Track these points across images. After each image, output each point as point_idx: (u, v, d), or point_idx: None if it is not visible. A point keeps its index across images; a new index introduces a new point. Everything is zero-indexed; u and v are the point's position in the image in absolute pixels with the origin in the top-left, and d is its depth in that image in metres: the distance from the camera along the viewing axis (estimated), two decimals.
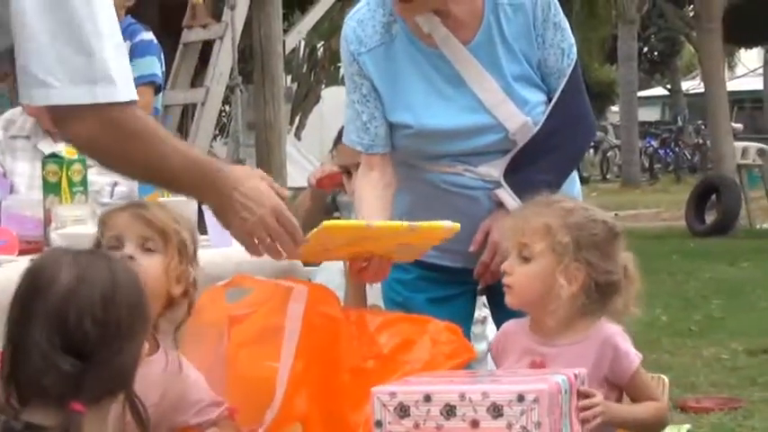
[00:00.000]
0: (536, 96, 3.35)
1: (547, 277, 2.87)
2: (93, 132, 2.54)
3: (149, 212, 2.82)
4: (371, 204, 3.29)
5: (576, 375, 2.75)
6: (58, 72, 2.45)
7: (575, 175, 3.55)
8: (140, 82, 6.05)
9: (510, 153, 3.32)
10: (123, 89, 2.54)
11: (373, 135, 3.34)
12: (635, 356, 2.92)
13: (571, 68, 3.36)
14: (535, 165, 3.31)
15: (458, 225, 3.00)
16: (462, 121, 3.32)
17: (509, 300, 2.94)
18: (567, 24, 3.38)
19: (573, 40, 3.38)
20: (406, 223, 2.99)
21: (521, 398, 2.53)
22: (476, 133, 3.32)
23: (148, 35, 6.31)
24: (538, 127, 3.31)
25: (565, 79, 3.35)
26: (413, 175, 3.40)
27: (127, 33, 6.16)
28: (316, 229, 2.88)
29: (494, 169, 3.32)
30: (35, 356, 2.10)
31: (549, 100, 3.36)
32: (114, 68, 2.52)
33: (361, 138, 3.36)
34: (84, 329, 2.09)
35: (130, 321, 2.16)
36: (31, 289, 2.18)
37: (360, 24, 3.35)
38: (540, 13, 3.31)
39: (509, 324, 3.04)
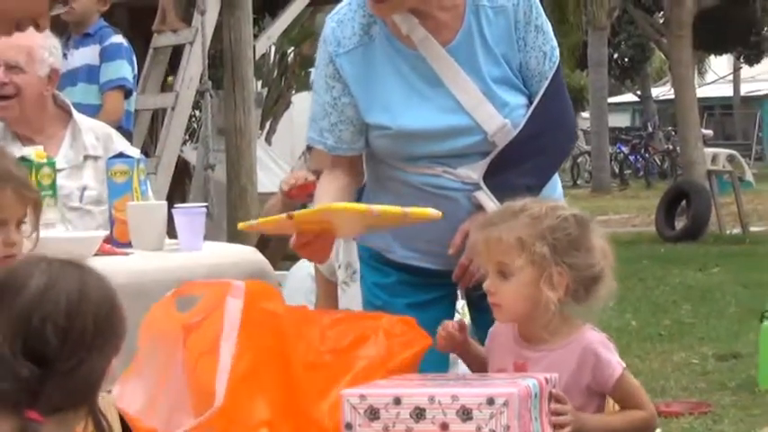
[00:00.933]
0: (516, 99, 3.33)
1: (532, 291, 2.85)
2: None
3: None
4: (332, 196, 3.26)
5: (547, 380, 2.74)
6: None
7: (556, 178, 3.53)
8: (110, 86, 6.04)
9: (489, 156, 3.31)
10: None
11: (337, 137, 3.33)
12: (617, 365, 2.89)
13: (553, 71, 3.35)
14: (516, 168, 3.30)
15: (440, 213, 2.99)
16: (440, 123, 3.30)
17: (498, 317, 2.93)
18: (549, 27, 3.36)
19: (555, 43, 3.37)
20: (400, 208, 2.99)
21: (490, 401, 2.54)
22: (454, 135, 3.31)
23: (118, 38, 6.28)
24: (518, 130, 3.30)
25: (546, 82, 3.34)
26: (392, 176, 3.38)
27: (97, 36, 6.15)
28: (313, 208, 2.91)
29: (473, 171, 3.31)
30: None
31: (531, 103, 3.34)
32: None
33: (326, 138, 3.34)
34: (46, 336, 2.06)
35: (96, 333, 2.13)
36: (0, 293, 2.18)
37: (339, 25, 3.33)
38: (521, 16, 3.30)
39: (498, 326, 3.02)
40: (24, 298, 2.10)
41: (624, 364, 2.92)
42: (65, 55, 5.74)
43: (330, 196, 3.21)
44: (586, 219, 2.94)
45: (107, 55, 6.08)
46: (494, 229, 2.91)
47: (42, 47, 4.25)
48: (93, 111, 5.41)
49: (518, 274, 2.85)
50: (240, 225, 3.28)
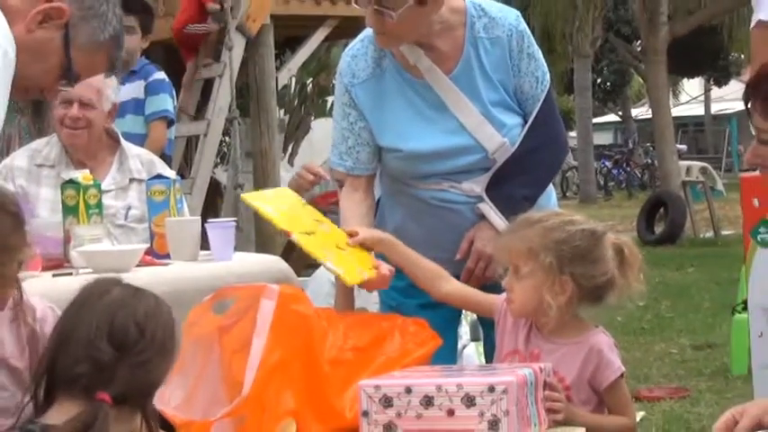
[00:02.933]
0: (513, 120, 3.33)
1: (537, 293, 2.85)
2: None
3: None
4: (358, 222, 3.27)
5: (541, 369, 2.74)
6: None
7: (551, 189, 3.55)
8: (155, 117, 6.06)
9: (490, 171, 3.31)
10: None
11: (355, 159, 3.34)
12: (618, 368, 2.88)
13: (545, 94, 3.36)
14: (514, 181, 3.31)
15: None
16: (446, 143, 3.31)
17: (512, 311, 2.93)
18: (540, 55, 3.37)
19: (546, 69, 3.38)
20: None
21: (491, 389, 2.54)
22: (458, 153, 3.31)
23: (161, 74, 6.28)
24: (515, 147, 3.30)
25: (539, 104, 3.34)
26: (404, 192, 3.39)
27: (142, 73, 6.16)
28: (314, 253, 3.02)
29: (476, 185, 3.32)
30: (77, 346, 2.12)
31: (526, 123, 3.35)
32: None
33: (344, 160, 3.35)
34: (128, 328, 2.13)
35: (164, 339, 2.20)
36: (86, 296, 2.24)
37: (353, 59, 3.35)
38: (515, 45, 3.31)
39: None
40: (111, 298, 2.20)
41: (624, 369, 2.91)
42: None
43: (356, 221, 3.23)
44: (599, 232, 2.90)
45: (151, 89, 6.08)
46: (513, 235, 2.93)
47: (108, 86, 4.28)
48: (139, 139, 5.43)
49: (527, 277, 2.86)
50: (243, 195, 3.37)
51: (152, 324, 2.17)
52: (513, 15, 3.33)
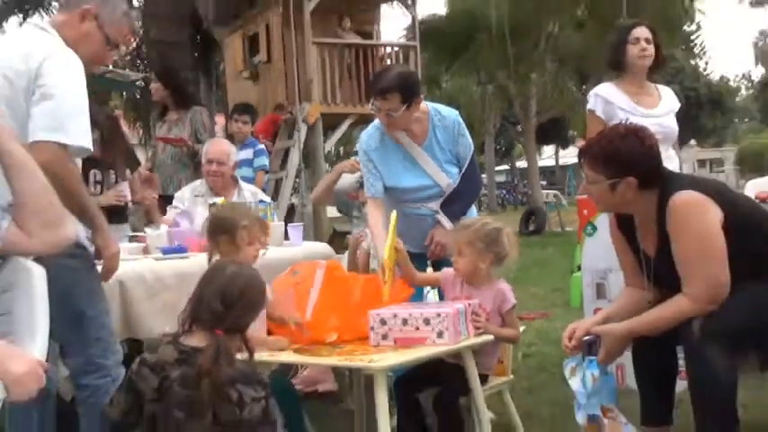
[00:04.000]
0: (454, 170, 3.30)
1: (473, 264, 2.85)
2: None
3: None
4: (381, 235, 3.16)
5: (470, 304, 2.73)
6: None
7: (473, 206, 3.51)
8: (259, 169, 6.09)
9: (443, 197, 3.29)
10: None
11: (375, 189, 3.29)
12: (512, 302, 2.89)
13: (470, 156, 3.32)
14: (455, 203, 3.28)
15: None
16: (418, 183, 3.27)
17: (458, 273, 2.90)
18: (468, 134, 3.33)
19: (471, 142, 3.34)
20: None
21: (438, 315, 2.54)
22: (425, 189, 3.28)
23: (261, 145, 6.26)
24: (455, 185, 3.28)
25: (467, 162, 3.31)
26: (396, 207, 3.32)
27: (250, 144, 6.16)
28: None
29: (435, 205, 3.29)
30: (205, 302, 2.04)
31: (461, 171, 3.31)
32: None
33: (371, 191, 3.30)
34: (233, 294, 2.04)
35: (254, 300, 2.10)
36: (213, 269, 2.18)
37: (369, 137, 3.30)
38: (456, 130, 3.28)
39: (447, 276, 2.98)
40: (225, 274, 2.09)
41: (515, 302, 2.90)
42: None
43: (383, 240, 3.03)
44: (500, 227, 2.91)
45: (256, 153, 6.07)
46: (460, 233, 2.90)
47: (232, 153, 4.28)
48: (250, 181, 5.44)
49: (469, 255, 2.85)
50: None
51: (248, 290, 2.08)
52: (454, 113, 3.31)
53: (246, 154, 5.99)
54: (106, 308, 2.50)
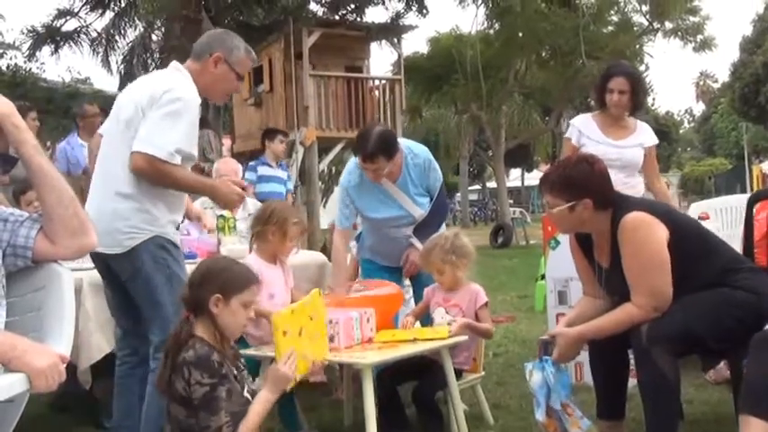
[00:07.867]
0: (425, 200, 3.28)
1: (454, 275, 2.90)
2: None
3: None
4: (341, 264, 3.20)
5: (366, 312, 2.68)
6: None
7: (443, 226, 3.47)
8: (289, 192, 6.15)
9: (414, 224, 3.28)
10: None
11: (346, 222, 3.27)
12: (484, 300, 2.92)
13: (439, 187, 3.29)
14: (425, 228, 3.27)
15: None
16: (393, 214, 3.25)
17: (444, 288, 2.95)
18: (438, 168, 3.30)
19: (440, 175, 3.30)
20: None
21: (330, 321, 2.53)
22: (400, 219, 3.26)
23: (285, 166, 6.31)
24: (425, 214, 3.27)
25: (437, 192, 3.29)
26: (375, 231, 3.34)
27: (283, 167, 6.24)
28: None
29: (408, 230, 3.29)
30: (196, 290, 1.97)
31: (431, 201, 3.30)
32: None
33: (342, 222, 3.27)
34: (194, 276, 2.00)
35: (213, 278, 1.98)
36: (207, 264, 2.09)
37: (349, 174, 3.27)
38: (427, 166, 3.25)
39: (433, 286, 3.03)
40: (217, 265, 2.04)
41: (488, 300, 2.93)
42: (255, 169, 5.94)
43: (341, 269, 3.15)
44: (456, 233, 2.99)
45: (289, 177, 6.17)
46: (430, 256, 2.94)
47: (239, 170, 4.33)
48: (279, 196, 5.53)
49: (448, 271, 2.90)
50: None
51: (208, 270, 1.99)
52: (425, 151, 3.27)
53: (283, 174, 6.07)
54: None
